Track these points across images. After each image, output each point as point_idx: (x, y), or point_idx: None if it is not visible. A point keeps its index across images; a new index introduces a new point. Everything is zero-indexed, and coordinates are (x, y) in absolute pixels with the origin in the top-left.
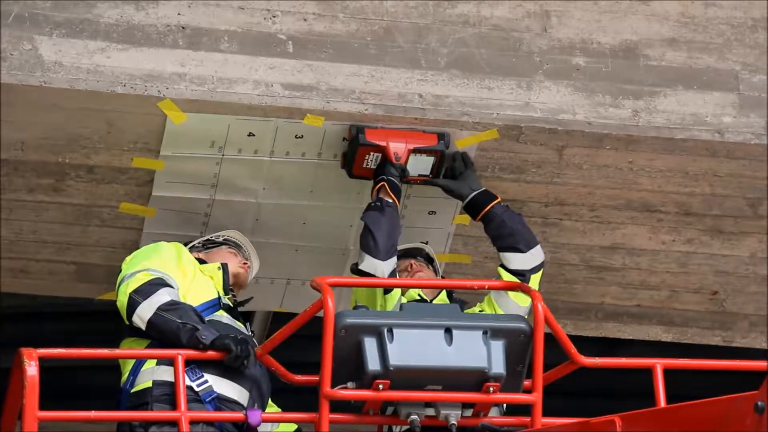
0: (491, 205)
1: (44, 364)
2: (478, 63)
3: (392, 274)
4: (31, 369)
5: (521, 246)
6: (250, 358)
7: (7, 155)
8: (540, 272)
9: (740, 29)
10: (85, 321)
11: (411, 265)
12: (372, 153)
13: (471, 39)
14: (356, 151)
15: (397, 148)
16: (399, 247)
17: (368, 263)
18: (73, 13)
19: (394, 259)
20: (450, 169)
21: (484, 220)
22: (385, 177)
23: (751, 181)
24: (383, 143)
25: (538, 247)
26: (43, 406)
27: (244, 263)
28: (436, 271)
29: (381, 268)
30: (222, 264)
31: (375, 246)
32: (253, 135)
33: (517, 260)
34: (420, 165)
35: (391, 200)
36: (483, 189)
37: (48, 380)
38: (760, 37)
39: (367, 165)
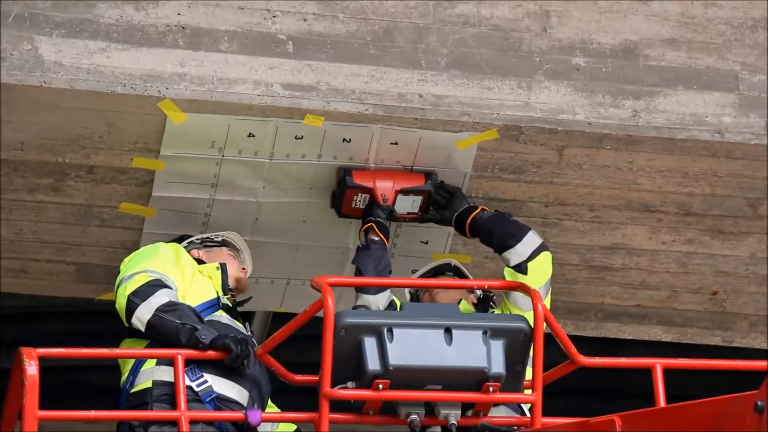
0: (471, 217)
1: (44, 364)
2: (478, 63)
3: (388, 307)
4: (31, 369)
5: (511, 242)
6: (250, 358)
7: (7, 155)
8: (538, 257)
9: (740, 29)
10: (85, 321)
11: None
12: (360, 194)
13: (471, 39)
14: (344, 192)
15: (384, 189)
16: (426, 268)
17: (362, 300)
18: (73, 13)
19: (388, 292)
20: (436, 203)
21: (472, 233)
22: (372, 218)
23: (751, 181)
24: (370, 185)
25: (530, 233)
26: (42, 406)
27: (243, 268)
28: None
29: (375, 302)
30: (220, 264)
31: None
32: (253, 136)
33: (513, 256)
34: (408, 204)
35: (378, 238)
36: (464, 207)
37: (47, 380)
38: (760, 37)
39: (356, 205)
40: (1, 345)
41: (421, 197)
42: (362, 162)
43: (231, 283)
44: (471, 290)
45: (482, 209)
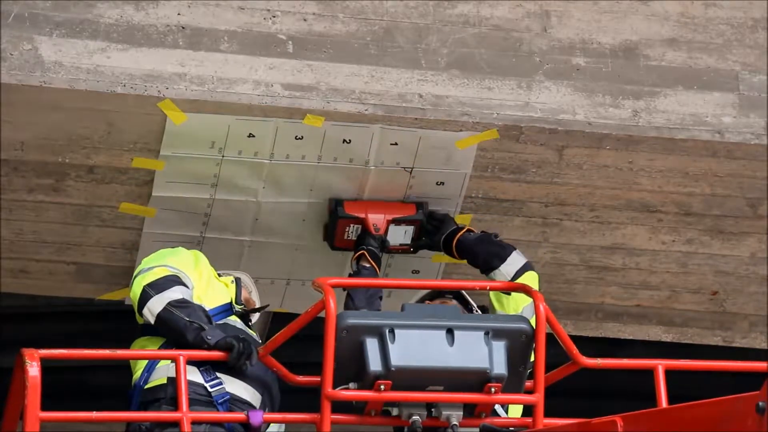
0: (456, 238)
1: (45, 365)
2: (478, 63)
3: None
4: (33, 369)
5: (495, 262)
6: (252, 356)
7: (7, 155)
8: (522, 277)
9: (740, 29)
10: (85, 321)
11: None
12: (352, 225)
13: (471, 39)
14: (336, 223)
15: (375, 219)
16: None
17: None
18: (73, 13)
19: None
20: (427, 232)
21: (459, 254)
22: (365, 246)
23: (751, 181)
24: (362, 215)
25: (514, 254)
26: (44, 407)
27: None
28: (469, 309)
29: None
30: (236, 278)
31: (354, 309)
32: (253, 136)
33: (498, 277)
34: (399, 234)
35: (369, 266)
36: (451, 229)
37: (49, 381)
38: (760, 37)
39: (348, 236)
40: (1, 345)
41: (412, 227)
42: (362, 163)
43: (242, 299)
44: (468, 309)
45: (468, 230)
